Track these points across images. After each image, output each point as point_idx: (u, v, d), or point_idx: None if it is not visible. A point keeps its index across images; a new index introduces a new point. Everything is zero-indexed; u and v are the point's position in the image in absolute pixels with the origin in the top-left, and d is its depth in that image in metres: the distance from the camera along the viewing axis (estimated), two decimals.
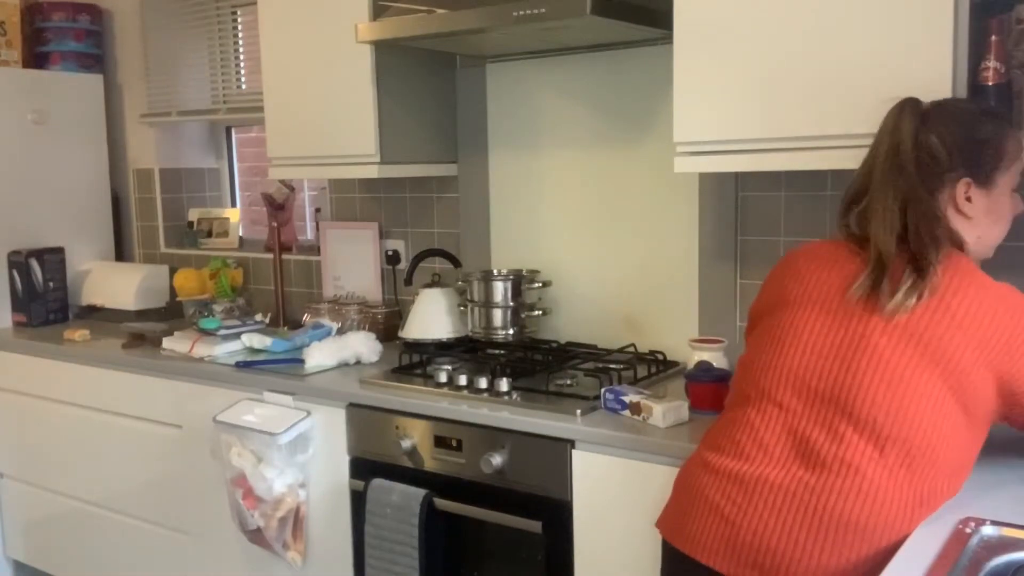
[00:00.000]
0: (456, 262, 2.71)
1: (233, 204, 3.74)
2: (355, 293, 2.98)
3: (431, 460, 2.10)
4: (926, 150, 1.40)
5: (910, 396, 1.29)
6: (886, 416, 1.29)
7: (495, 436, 1.98)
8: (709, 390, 1.92)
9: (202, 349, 2.63)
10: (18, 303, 3.22)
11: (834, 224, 2.15)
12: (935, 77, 1.64)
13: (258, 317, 2.94)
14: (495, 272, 2.52)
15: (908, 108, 1.43)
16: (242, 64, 3.32)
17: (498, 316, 2.45)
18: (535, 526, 1.92)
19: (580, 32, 2.17)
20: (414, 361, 2.36)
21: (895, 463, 1.29)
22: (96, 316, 3.33)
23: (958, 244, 1.42)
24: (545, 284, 2.51)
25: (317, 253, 3.13)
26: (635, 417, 1.88)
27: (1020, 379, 1.33)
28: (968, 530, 1.25)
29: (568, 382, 2.12)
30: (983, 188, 1.43)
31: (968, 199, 1.42)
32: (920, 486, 1.29)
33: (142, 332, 2.93)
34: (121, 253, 3.67)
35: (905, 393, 1.29)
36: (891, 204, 1.39)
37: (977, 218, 1.44)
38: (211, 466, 2.47)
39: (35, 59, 3.41)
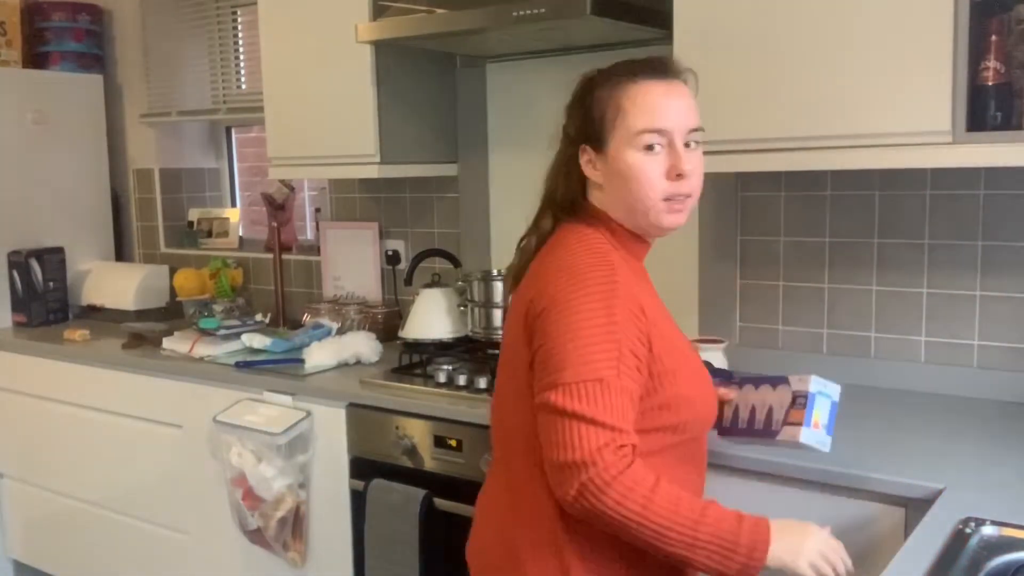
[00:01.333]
0: (456, 262, 2.71)
1: (233, 204, 3.74)
2: (355, 293, 2.98)
3: (431, 460, 2.10)
4: (564, 126, 1.43)
5: None
6: None
7: None
8: None
9: (202, 349, 2.63)
10: (18, 303, 3.22)
11: (834, 224, 2.16)
12: (935, 77, 1.64)
13: (258, 317, 2.95)
14: (495, 272, 2.52)
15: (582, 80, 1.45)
16: (242, 64, 3.32)
17: (498, 316, 2.44)
18: None
19: (580, 32, 2.17)
20: (414, 361, 2.36)
21: None
22: (96, 316, 3.33)
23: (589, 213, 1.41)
24: None
25: (317, 253, 3.13)
26: None
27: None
28: (968, 530, 1.25)
29: None
30: (600, 153, 1.38)
31: (592, 165, 1.39)
32: None
33: (142, 332, 2.93)
34: (121, 253, 3.67)
35: None
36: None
37: (606, 184, 1.38)
38: (211, 466, 2.47)
39: (35, 59, 3.41)
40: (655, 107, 1.35)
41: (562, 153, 1.44)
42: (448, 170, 2.71)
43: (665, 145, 1.35)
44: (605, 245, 1.36)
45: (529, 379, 1.30)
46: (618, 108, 1.35)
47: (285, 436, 2.25)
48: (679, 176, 1.35)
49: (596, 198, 1.41)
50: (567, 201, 1.42)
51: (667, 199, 1.35)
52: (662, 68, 1.38)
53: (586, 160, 1.39)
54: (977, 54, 1.65)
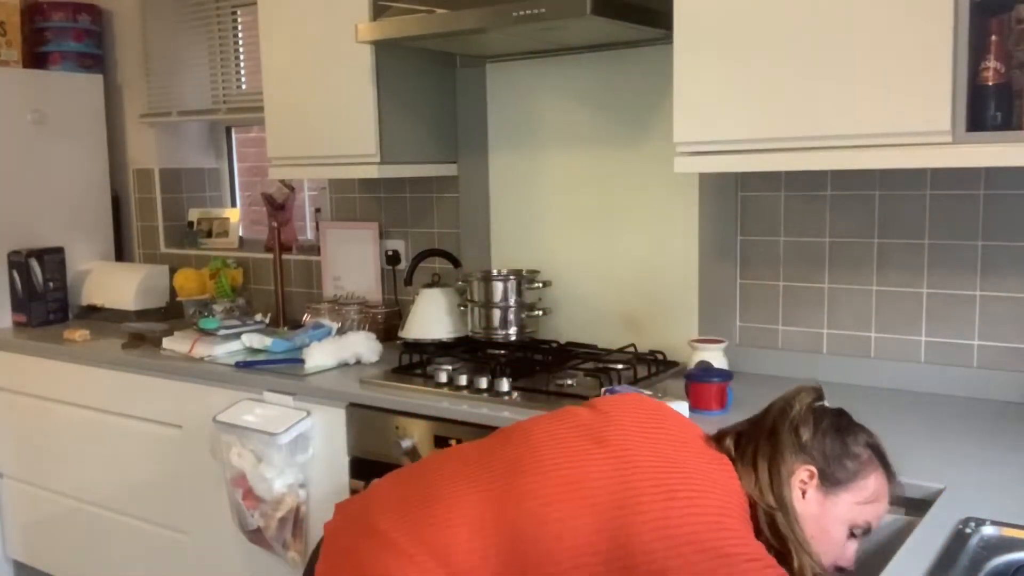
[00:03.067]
0: (456, 262, 2.71)
1: (233, 204, 3.74)
2: (355, 293, 2.98)
3: None
4: (800, 422, 1.40)
5: None
6: None
7: None
8: (709, 390, 1.92)
9: (202, 349, 2.63)
10: (18, 303, 3.22)
11: (834, 224, 2.15)
12: (935, 77, 1.64)
13: (258, 317, 2.95)
14: (495, 272, 2.52)
15: (809, 391, 1.45)
16: (242, 64, 3.32)
17: (498, 316, 2.45)
18: None
19: (580, 32, 2.17)
20: (414, 361, 2.36)
21: None
22: (96, 316, 3.33)
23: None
24: (545, 284, 2.51)
25: (317, 253, 3.13)
26: None
27: None
28: (968, 530, 1.25)
29: (568, 382, 2.12)
30: (822, 490, 1.37)
31: (803, 488, 1.37)
32: None
33: (142, 332, 2.93)
34: (121, 253, 3.67)
35: None
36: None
37: (806, 517, 1.36)
38: (211, 466, 2.47)
39: (35, 59, 3.41)
40: (880, 511, 1.40)
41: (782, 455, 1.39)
42: (448, 170, 2.71)
43: (858, 536, 1.40)
44: None
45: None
46: (866, 481, 1.38)
47: (285, 436, 2.25)
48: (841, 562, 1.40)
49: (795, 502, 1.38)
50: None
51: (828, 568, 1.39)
52: (894, 477, 1.44)
53: (803, 479, 1.37)
54: (977, 54, 1.65)
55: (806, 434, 1.39)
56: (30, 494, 3.10)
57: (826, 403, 1.46)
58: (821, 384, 1.50)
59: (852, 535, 1.38)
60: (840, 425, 1.43)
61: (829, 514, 1.36)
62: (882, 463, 1.42)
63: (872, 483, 1.38)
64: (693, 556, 1.21)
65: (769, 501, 1.34)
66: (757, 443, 1.40)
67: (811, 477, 1.36)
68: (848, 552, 1.38)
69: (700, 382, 1.94)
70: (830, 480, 1.37)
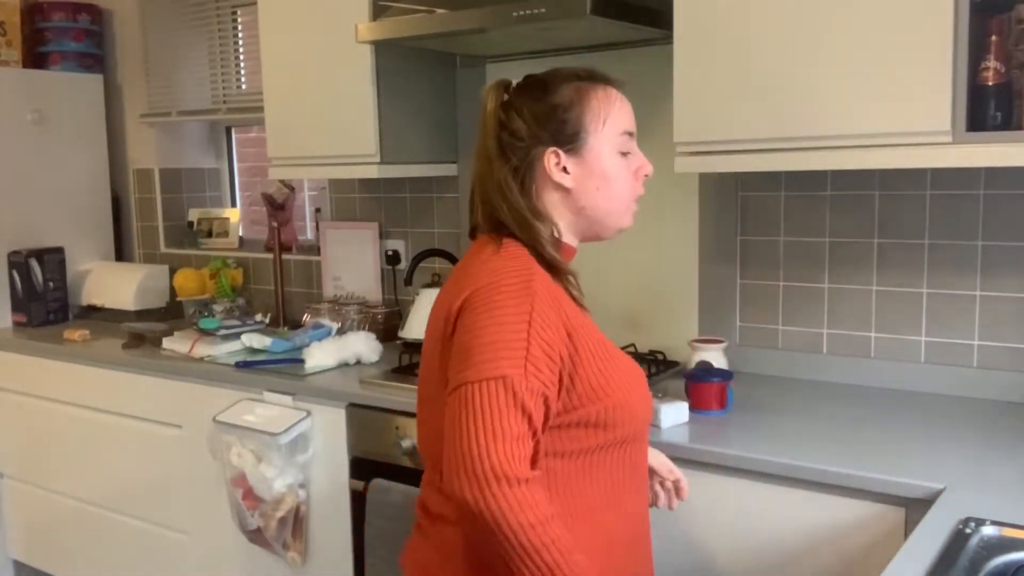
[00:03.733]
0: (456, 262, 2.71)
1: (233, 204, 3.74)
2: (355, 293, 2.98)
3: None
4: (507, 129, 1.35)
5: None
6: None
7: None
8: (709, 390, 1.92)
9: (202, 349, 2.63)
10: (18, 303, 3.22)
11: (834, 224, 2.16)
12: (935, 77, 1.64)
13: (258, 317, 2.95)
14: None
15: (493, 88, 1.38)
16: (242, 64, 3.32)
17: None
18: None
19: (580, 32, 2.17)
20: (414, 361, 2.36)
21: None
22: (96, 316, 3.33)
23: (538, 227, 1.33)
24: None
25: (317, 253, 3.13)
26: None
27: None
28: (968, 530, 1.25)
29: None
30: (574, 154, 1.34)
31: (563, 169, 1.34)
32: None
33: (142, 332, 2.93)
34: (121, 253, 3.67)
35: None
36: (474, 195, 1.38)
37: (576, 188, 1.35)
38: (211, 466, 2.47)
39: (35, 59, 3.41)
40: (627, 112, 1.40)
41: (510, 161, 1.34)
42: (448, 170, 2.71)
43: (632, 149, 1.40)
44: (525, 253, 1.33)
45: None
46: (596, 110, 1.36)
47: (285, 436, 2.25)
48: (644, 177, 1.42)
49: (548, 202, 1.36)
50: (519, 212, 1.33)
51: (634, 200, 1.42)
52: (610, 78, 1.44)
53: (555, 163, 1.34)
54: (977, 54, 1.65)
55: (515, 120, 1.34)
56: (30, 494, 3.10)
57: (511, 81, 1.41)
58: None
59: (623, 154, 1.38)
60: (534, 94, 1.37)
61: (597, 164, 1.35)
62: (590, 80, 1.38)
63: (598, 107, 1.36)
64: None
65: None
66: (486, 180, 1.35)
67: (555, 156, 1.34)
68: (634, 166, 1.40)
69: (700, 382, 1.94)
70: (567, 140, 1.34)
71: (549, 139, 1.34)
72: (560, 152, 1.34)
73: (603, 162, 1.36)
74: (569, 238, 1.39)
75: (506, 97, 1.38)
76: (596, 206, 1.37)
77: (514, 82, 1.41)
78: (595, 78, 1.40)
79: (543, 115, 1.34)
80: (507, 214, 1.32)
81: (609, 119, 1.37)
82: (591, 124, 1.35)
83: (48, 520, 3.07)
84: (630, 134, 1.39)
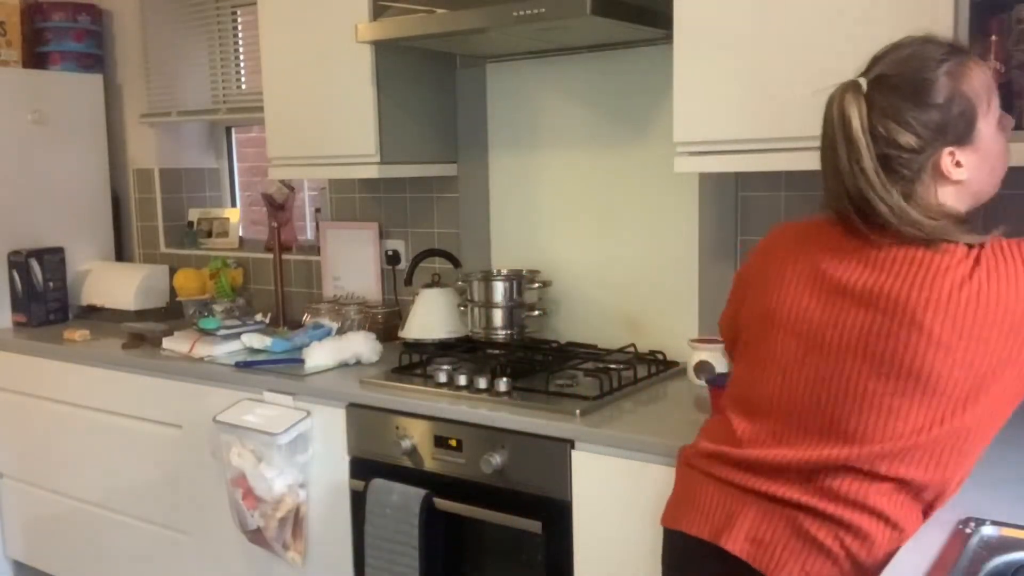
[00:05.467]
0: (456, 262, 2.71)
1: (233, 204, 3.74)
2: (355, 293, 2.98)
3: (431, 460, 2.10)
4: (890, 143, 1.27)
5: None
6: None
7: (495, 436, 1.98)
8: None
9: (202, 349, 2.63)
10: (18, 303, 3.22)
11: None
12: None
13: (258, 317, 2.94)
14: (495, 272, 2.52)
15: (851, 98, 1.28)
16: (242, 64, 3.32)
17: (498, 316, 2.45)
18: (535, 526, 1.92)
19: (580, 32, 2.17)
20: (414, 361, 2.36)
21: None
22: (96, 316, 3.33)
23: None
24: (545, 284, 2.51)
25: (317, 253, 3.13)
26: None
27: None
28: (968, 530, 1.25)
29: (568, 382, 2.12)
30: (968, 147, 1.29)
31: (958, 164, 1.29)
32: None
33: (142, 332, 2.93)
34: (121, 253, 3.67)
35: None
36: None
37: (971, 178, 1.31)
38: (211, 466, 2.47)
39: (35, 59, 3.41)
40: (989, 76, 1.32)
41: (900, 175, 1.27)
42: (448, 170, 2.71)
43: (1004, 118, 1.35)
44: None
45: None
46: (979, 92, 1.28)
47: (285, 436, 2.25)
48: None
49: (943, 200, 1.30)
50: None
51: None
52: (962, 45, 1.36)
53: (952, 163, 1.28)
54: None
55: (903, 135, 1.26)
56: (30, 494, 3.10)
57: (860, 79, 1.30)
58: None
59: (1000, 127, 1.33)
60: (912, 97, 1.26)
61: (988, 148, 1.30)
62: (954, 56, 1.28)
63: (979, 88, 1.27)
64: None
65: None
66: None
67: (952, 156, 1.27)
68: (1006, 126, 1.35)
69: (723, 388, 1.93)
70: (962, 135, 1.27)
71: (944, 142, 1.27)
72: (955, 150, 1.28)
73: (993, 144, 1.32)
74: None
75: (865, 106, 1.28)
76: (986, 184, 1.35)
77: (862, 82, 1.30)
78: (955, 50, 1.30)
79: (936, 122, 1.26)
80: (923, 231, 1.25)
81: (992, 98, 1.31)
82: (980, 110, 1.29)
83: (48, 520, 3.07)
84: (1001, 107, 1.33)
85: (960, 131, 1.28)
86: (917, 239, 1.26)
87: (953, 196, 1.32)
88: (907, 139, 1.26)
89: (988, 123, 1.30)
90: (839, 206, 1.32)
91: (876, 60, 1.33)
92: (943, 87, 1.26)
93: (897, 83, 1.28)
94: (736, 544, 1.32)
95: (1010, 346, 1.22)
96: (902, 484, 1.26)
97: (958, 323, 1.21)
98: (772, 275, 1.40)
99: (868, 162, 1.26)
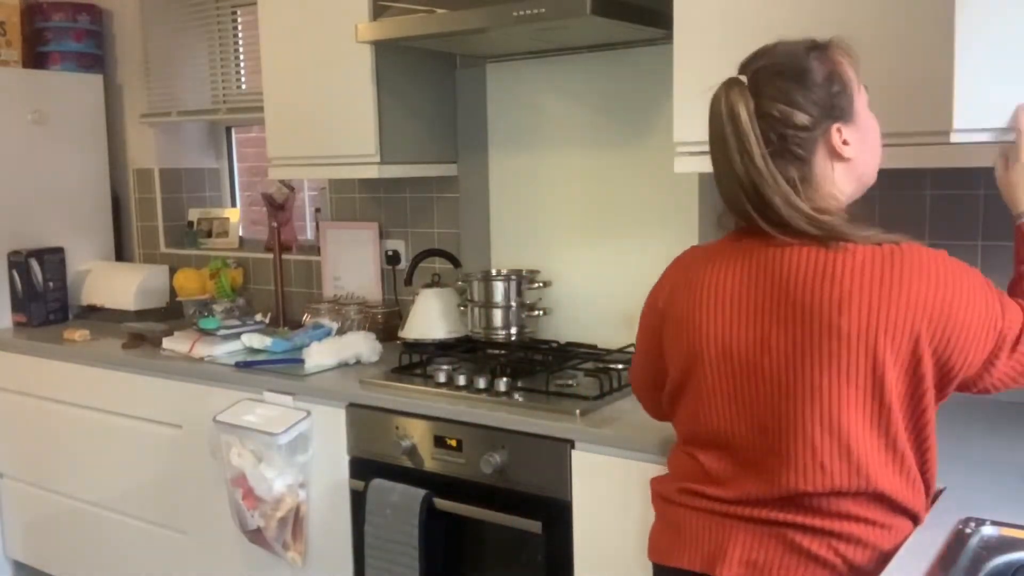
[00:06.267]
0: (456, 262, 2.71)
1: (233, 204, 3.74)
2: (355, 293, 2.98)
3: (431, 460, 2.10)
4: (787, 125, 1.29)
5: None
6: None
7: (495, 436, 1.98)
8: None
9: (202, 349, 2.63)
10: (18, 303, 3.22)
11: None
12: (935, 76, 1.64)
13: (258, 317, 2.95)
14: (495, 272, 2.52)
15: (737, 93, 1.32)
16: (242, 64, 3.32)
17: (498, 316, 2.45)
18: (535, 526, 1.92)
19: (580, 32, 2.17)
20: (414, 361, 2.36)
21: None
22: (96, 316, 3.33)
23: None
24: (545, 284, 2.51)
25: (317, 253, 3.13)
26: None
27: None
28: (968, 530, 1.25)
29: (568, 382, 2.12)
30: (850, 125, 1.33)
31: (845, 142, 1.32)
32: None
33: (142, 332, 2.93)
34: (121, 253, 3.67)
35: None
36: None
37: (858, 156, 1.34)
38: (211, 466, 2.47)
39: (35, 59, 3.41)
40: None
41: (796, 155, 1.31)
42: (448, 170, 2.71)
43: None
44: None
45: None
46: (849, 72, 1.35)
47: (285, 436, 2.25)
48: None
49: (834, 179, 1.34)
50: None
51: None
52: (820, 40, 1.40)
53: (840, 140, 1.32)
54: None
55: (797, 114, 1.29)
56: (30, 494, 3.10)
57: (740, 76, 1.34)
58: None
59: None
60: (797, 80, 1.31)
61: (865, 124, 1.36)
62: (819, 49, 1.34)
63: (847, 69, 1.34)
64: None
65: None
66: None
67: (839, 133, 1.31)
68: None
69: None
70: (845, 112, 1.32)
71: (831, 118, 1.31)
72: (841, 127, 1.32)
73: (869, 121, 1.38)
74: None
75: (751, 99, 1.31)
76: (869, 165, 1.39)
77: (743, 78, 1.34)
78: (816, 43, 1.36)
79: (822, 99, 1.31)
80: (816, 226, 1.28)
81: (860, 80, 1.37)
82: (853, 88, 1.35)
83: (48, 520, 3.07)
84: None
85: (843, 108, 1.32)
86: (815, 237, 1.28)
87: (843, 175, 1.35)
88: (800, 118, 1.30)
89: (862, 102, 1.36)
90: (739, 209, 1.34)
91: (747, 64, 1.37)
92: (818, 69, 1.32)
93: (779, 70, 1.32)
94: (732, 570, 1.31)
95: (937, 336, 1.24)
96: (878, 494, 1.26)
97: (872, 322, 1.22)
98: (690, 307, 1.39)
99: (757, 154, 1.29)
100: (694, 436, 1.41)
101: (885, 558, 1.24)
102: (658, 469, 1.77)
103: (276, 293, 3.08)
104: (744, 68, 1.36)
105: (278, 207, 3.05)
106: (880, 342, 1.22)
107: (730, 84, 1.34)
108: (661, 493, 1.47)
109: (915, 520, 1.30)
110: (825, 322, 1.24)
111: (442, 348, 2.49)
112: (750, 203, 1.31)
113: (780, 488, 1.28)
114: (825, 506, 1.27)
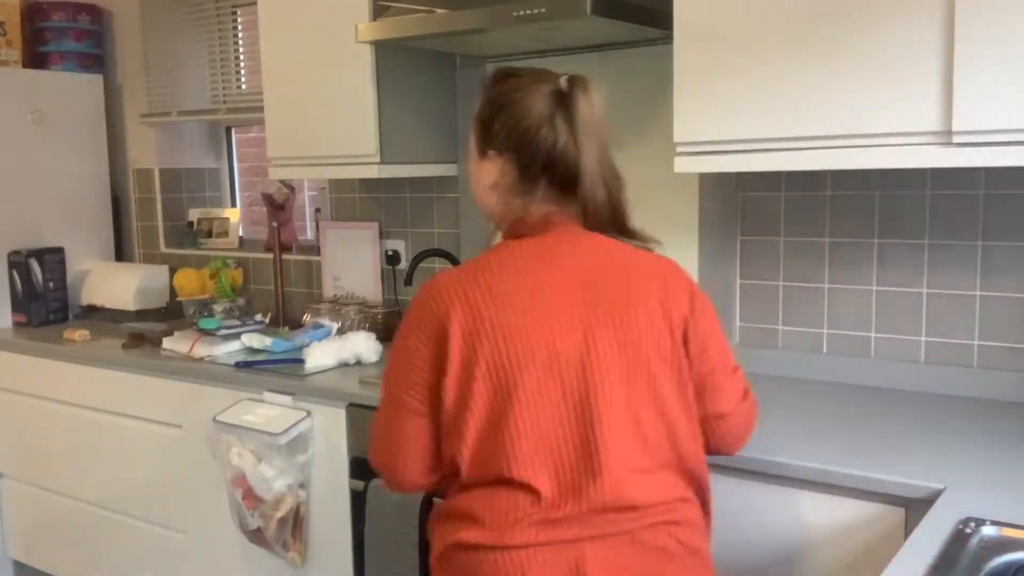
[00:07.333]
0: (456, 262, 2.71)
1: (233, 204, 3.74)
2: (355, 293, 2.98)
3: None
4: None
5: None
6: None
7: None
8: None
9: (202, 349, 2.63)
10: (18, 303, 3.22)
11: (834, 224, 2.15)
12: (935, 76, 1.64)
13: (258, 317, 2.95)
14: None
15: (595, 89, 1.46)
16: (242, 64, 3.32)
17: None
18: None
19: (580, 32, 2.17)
20: None
21: None
22: (96, 316, 3.33)
23: None
24: None
25: (317, 253, 3.13)
26: None
27: None
28: (968, 530, 1.25)
29: None
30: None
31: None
32: None
33: (142, 332, 2.93)
34: (121, 253, 3.67)
35: None
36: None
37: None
38: (211, 466, 2.47)
39: (35, 59, 3.41)
40: None
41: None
42: (448, 170, 2.71)
43: None
44: None
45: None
46: None
47: (285, 436, 2.25)
48: None
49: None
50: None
51: None
52: None
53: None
54: None
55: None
56: (30, 494, 3.10)
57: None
58: None
59: None
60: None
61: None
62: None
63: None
64: None
65: None
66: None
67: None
68: None
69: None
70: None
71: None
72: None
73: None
74: None
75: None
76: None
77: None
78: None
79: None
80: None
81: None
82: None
83: (48, 520, 3.07)
84: None
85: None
86: None
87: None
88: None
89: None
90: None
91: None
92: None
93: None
94: None
95: None
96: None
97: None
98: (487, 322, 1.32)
99: (606, 139, 1.48)
100: (524, 458, 1.28)
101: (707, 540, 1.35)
102: None
103: (276, 293, 3.08)
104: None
105: (278, 207, 3.05)
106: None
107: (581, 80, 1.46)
108: (473, 544, 1.29)
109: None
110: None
111: None
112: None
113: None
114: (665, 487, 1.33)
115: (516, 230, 1.44)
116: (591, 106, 1.41)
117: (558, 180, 1.40)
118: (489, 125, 1.43)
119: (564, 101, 1.40)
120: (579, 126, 1.38)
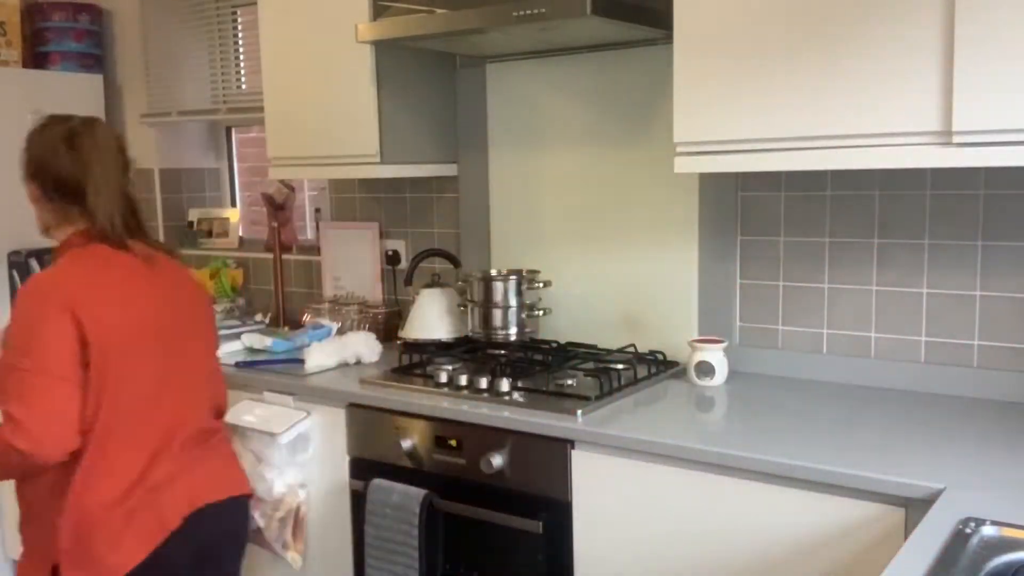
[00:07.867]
0: (456, 262, 2.71)
1: (233, 204, 3.74)
2: (355, 293, 2.98)
3: (431, 460, 2.10)
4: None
5: None
6: None
7: (495, 436, 1.98)
8: None
9: None
10: None
11: (834, 224, 2.15)
12: (935, 76, 1.64)
13: (258, 317, 2.95)
14: (495, 272, 2.52)
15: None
16: (242, 64, 3.32)
17: (498, 316, 2.44)
18: (535, 526, 1.92)
19: (580, 32, 2.17)
20: (414, 361, 2.36)
21: None
22: None
23: None
24: (545, 284, 2.51)
25: (317, 253, 3.13)
26: None
27: None
28: (968, 530, 1.25)
29: (568, 382, 2.12)
30: None
31: None
32: None
33: None
34: None
35: None
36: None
37: None
38: None
39: (35, 59, 3.41)
40: None
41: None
42: (448, 170, 2.71)
43: None
44: None
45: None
46: None
47: (285, 436, 2.25)
48: None
49: None
50: None
51: None
52: None
53: None
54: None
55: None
56: None
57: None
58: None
59: None
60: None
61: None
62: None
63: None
64: None
65: None
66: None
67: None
68: None
69: None
70: None
71: None
72: None
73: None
74: None
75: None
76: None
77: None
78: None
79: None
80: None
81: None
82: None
83: None
84: None
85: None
86: None
87: None
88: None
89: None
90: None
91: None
92: None
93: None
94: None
95: None
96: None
97: None
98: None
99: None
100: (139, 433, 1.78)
101: None
102: (657, 469, 1.77)
103: (276, 293, 3.08)
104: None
105: (278, 207, 3.05)
106: None
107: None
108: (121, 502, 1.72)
109: None
110: None
111: (442, 348, 2.49)
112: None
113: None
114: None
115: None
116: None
117: None
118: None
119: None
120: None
